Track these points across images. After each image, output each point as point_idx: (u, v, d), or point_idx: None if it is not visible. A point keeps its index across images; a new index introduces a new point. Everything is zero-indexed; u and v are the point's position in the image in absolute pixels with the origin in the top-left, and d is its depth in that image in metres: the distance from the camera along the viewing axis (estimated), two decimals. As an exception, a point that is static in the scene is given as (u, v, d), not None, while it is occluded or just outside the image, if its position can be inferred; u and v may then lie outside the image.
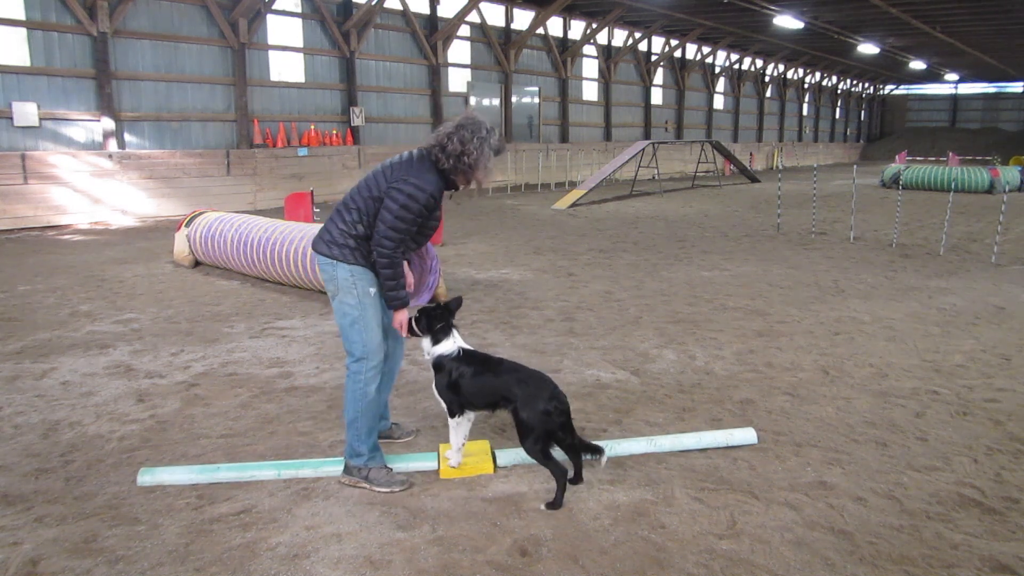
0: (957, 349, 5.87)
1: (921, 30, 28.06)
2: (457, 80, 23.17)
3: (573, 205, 17.40)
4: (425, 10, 21.48)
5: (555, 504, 3.33)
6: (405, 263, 3.83)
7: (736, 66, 37.43)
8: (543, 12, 23.96)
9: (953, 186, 16.41)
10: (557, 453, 3.48)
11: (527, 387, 3.39)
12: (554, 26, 26.00)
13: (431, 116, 21.90)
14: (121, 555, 3.01)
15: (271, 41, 17.84)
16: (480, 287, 8.24)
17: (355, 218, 3.52)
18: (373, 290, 3.57)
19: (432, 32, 21.63)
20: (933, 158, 39.68)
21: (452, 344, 3.57)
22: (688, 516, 3.29)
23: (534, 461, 3.45)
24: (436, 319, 3.57)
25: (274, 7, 17.49)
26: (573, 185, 21.80)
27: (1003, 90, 52.93)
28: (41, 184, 13.49)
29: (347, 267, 3.53)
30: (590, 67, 28.52)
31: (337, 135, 19.17)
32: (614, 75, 29.28)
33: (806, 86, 44.94)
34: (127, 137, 15.31)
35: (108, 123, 14.77)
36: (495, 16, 23.86)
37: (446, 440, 3.75)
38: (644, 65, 31.09)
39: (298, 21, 18.39)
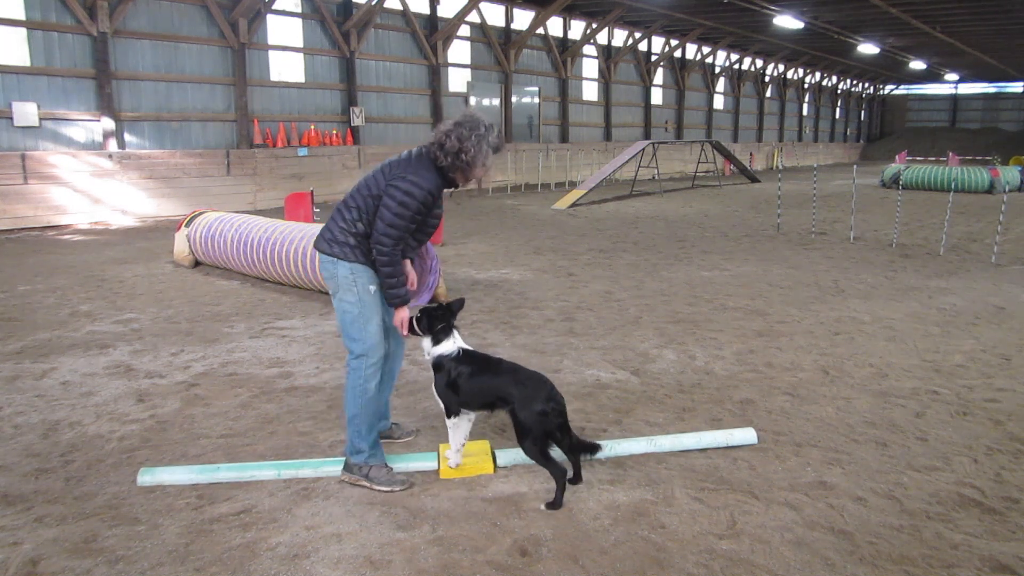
0: (957, 349, 5.87)
1: (921, 30, 28.07)
2: (457, 80, 23.17)
3: (573, 205, 17.39)
4: (425, 10, 21.48)
5: (555, 504, 3.33)
6: (407, 261, 3.85)
7: (736, 66, 37.43)
8: (543, 12, 23.95)
9: (953, 186, 16.41)
10: (556, 453, 3.48)
11: (524, 388, 3.39)
12: (554, 26, 26.00)
13: (431, 116, 21.90)
14: (121, 555, 3.01)
15: (271, 41, 17.84)
16: (480, 287, 8.24)
17: (355, 216, 3.53)
18: (373, 288, 3.58)
19: (432, 32, 21.63)
20: (933, 158, 39.69)
21: (452, 344, 3.58)
22: (688, 516, 3.29)
23: (533, 461, 3.46)
24: (437, 320, 3.58)
25: (274, 7, 17.49)
26: (573, 185, 21.80)
27: (1003, 90, 52.93)
28: (41, 184, 13.49)
29: (347, 265, 3.55)
30: (590, 67, 28.52)
31: (337, 135, 19.17)
32: (614, 75, 29.28)
33: (806, 86, 44.94)
34: (127, 137, 15.31)
35: (108, 123, 14.77)
36: (495, 16, 23.86)
37: (446, 440, 3.76)
38: (644, 65, 31.09)
39: (298, 21, 18.39)
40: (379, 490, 3.53)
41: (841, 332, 6.37)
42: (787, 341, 6.09)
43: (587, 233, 12.91)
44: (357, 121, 19.60)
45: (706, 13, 26.31)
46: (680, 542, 3.09)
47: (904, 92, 57.23)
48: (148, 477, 3.60)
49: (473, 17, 22.33)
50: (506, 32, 24.24)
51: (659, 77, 32.37)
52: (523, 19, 24.61)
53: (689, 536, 3.13)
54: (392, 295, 3.54)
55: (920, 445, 4.05)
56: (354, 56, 19.40)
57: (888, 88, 56.95)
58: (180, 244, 9.41)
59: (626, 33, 29.27)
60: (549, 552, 3.02)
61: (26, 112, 13.72)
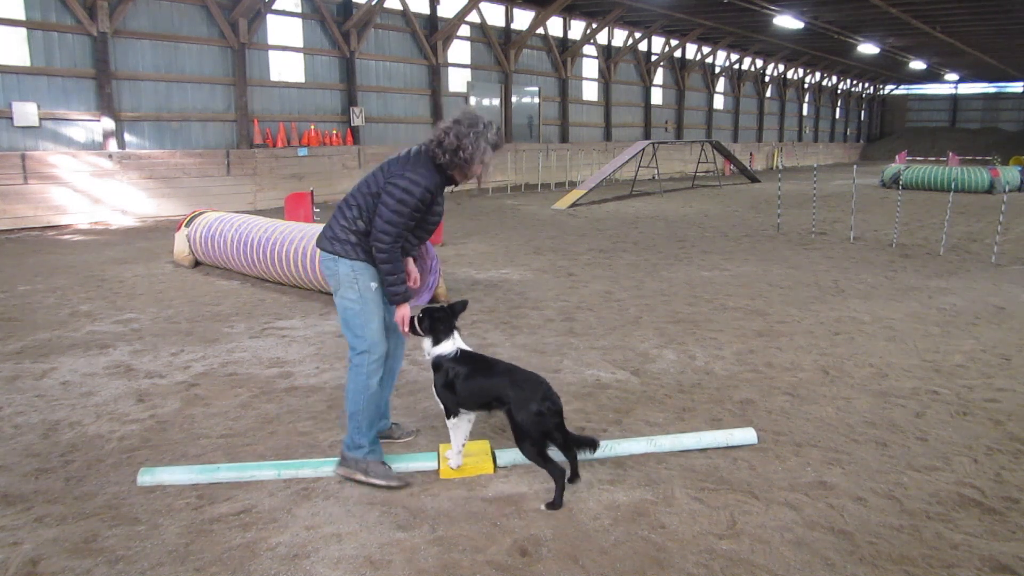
0: (957, 349, 5.87)
1: (921, 30, 28.07)
2: (457, 80, 23.18)
3: (573, 205, 17.40)
4: (425, 10, 21.48)
5: (555, 504, 3.33)
6: (410, 259, 3.85)
7: (736, 66, 37.43)
8: (543, 12, 23.96)
9: (953, 186, 16.41)
10: (555, 453, 3.48)
11: (520, 389, 3.39)
12: (554, 26, 26.00)
13: (431, 116, 21.90)
14: (121, 555, 3.01)
15: (271, 41, 17.84)
16: (480, 287, 8.24)
17: (355, 214, 3.56)
18: (374, 285, 3.59)
19: (432, 32, 21.64)
20: (933, 158, 39.68)
21: (451, 345, 3.58)
22: (688, 516, 3.29)
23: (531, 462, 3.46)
24: (439, 321, 3.58)
25: (274, 7, 17.49)
26: (573, 185, 21.80)
27: (1003, 90, 52.93)
28: (41, 184, 13.49)
29: (348, 262, 3.57)
30: (590, 67, 28.52)
31: (337, 135, 19.17)
32: (614, 75, 29.29)
33: (806, 86, 44.94)
34: (127, 137, 15.31)
35: (108, 123, 14.77)
36: (495, 16, 23.86)
37: (446, 440, 3.76)
38: (644, 65, 31.10)
39: (298, 21, 18.39)
40: (375, 483, 3.53)
41: (841, 332, 6.37)
42: (787, 341, 6.09)
43: (587, 233, 12.91)
44: (357, 121, 19.61)
45: (706, 13, 26.31)
46: (680, 542, 3.09)
47: (904, 92, 57.24)
48: (148, 477, 3.60)
49: (473, 17, 22.33)
50: (506, 32, 24.25)
51: (659, 77, 32.38)
52: (523, 19, 24.62)
53: (689, 536, 3.13)
54: (392, 292, 3.55)
55: (920, 445, 4.05)
56: (354, 56, 19.40)
57: (888, 88, 56.95)
58: (180, 244, 9.41)
59: (626, 33, 29.27)
60: (549, 552, 3.02)
61: (26, 112, 13.72)
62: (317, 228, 7.63)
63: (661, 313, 7.06)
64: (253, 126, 17.31)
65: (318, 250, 3.73)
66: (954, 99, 54.85)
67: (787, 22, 25.89)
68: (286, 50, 18.16)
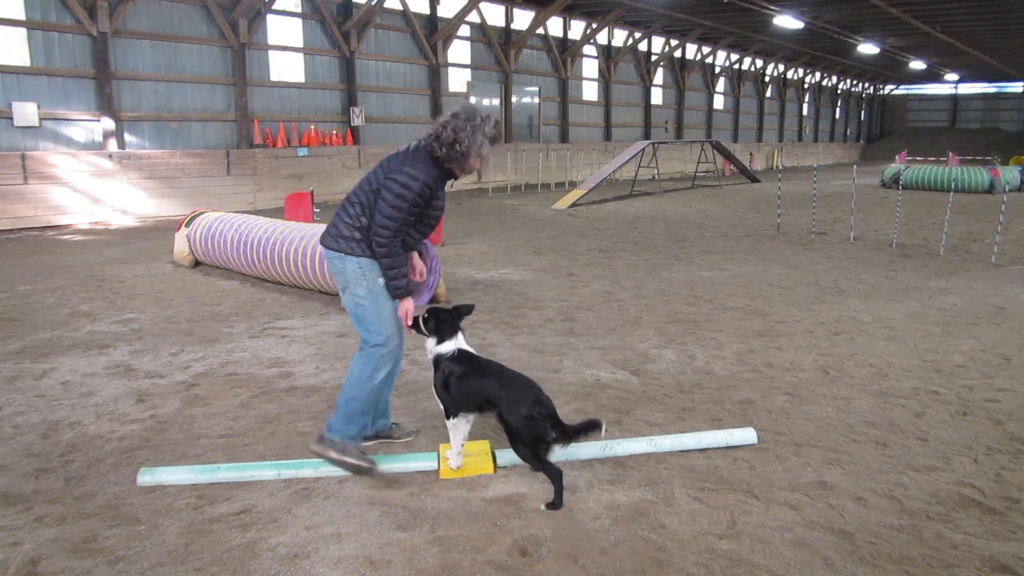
0: (957, 349, 5.87)
1: (921, 30, 28.07)
2: (457, 80, 23.17)
3: (573, 205, 17.40)
4: (425, 10, 21.48)
5: (555, 504, 3.33)
6: (414, 253, 3.86)
7: (736, 66, 37.43)
8: (543, 12, 23.96)
9: (953, 186, 16.41)
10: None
11: (510, 392, 3.39)
12: (554, 26, 26.00)
13: (431, 116, 21.88)
14: (121, 555, 3.01)
15: (271, 41, 17.84)
16: (480, 287, 8.24)
17: (358, 212, 3.58)
18: (382, 280, 3.62)
19: (432, 32, 21.64)
20: (933, 158, 39.68)
21: (452, 345, 3.59)
22: (688, 516, 3.29)
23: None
24: (444, 322, 3.59)
25: (274, 7, 17.49)
26: (573, 185, 21.80)
27: (1003, 90, 52.92)
28: (41, 184, 13.49)
29: (355, 259, 3.59)
30: (590, 67, 28.52)
31: (337, 135, 19.18)
32: (614, 75, 29.29)
33: (806, 86, 44.94)
34: (127, 137, 15.31)
35: (108, 123, 14.77)
36: (495, 16, 23.86)
37: (446, 440, 3.76)
38: (644, 65, 31.10)
39: (298, 21, 18.39)
40: (347, 461, 3.56)
41: (841, 332, 6.37)
42: (787, 341, 6.09)
43: (587, 233, 12.91)
44: (357, 121, 19.61)
45: (706, 13, 26.31)
46: (680, 542, 3.09)
47: (904, 92, 57.23)
48: (148, 477, 3.60)
49: (473, 17, 22.33)
50: (506, 32, 24.25)
51: (659, 77, 32.38)
52: (523, 19, 24.62)
53: (689, 536, 3.13)
54: (394, 286, 3.57)
55: (920, 445, 4.05)
56: (354, 56, 19.40)
57: (888, 88, 56.95)
58: (180, 244, 9.41)
59: (626, 33, 29.27)
60: (549, 552, 3.02)
61: (26, 112, 13.72)
62: (317, 228, 7.63)
63: (661, 313, 7.06)
64: (253, 126, 17.31)
65: (323, 249, 3.73)
66: (954, 99, 54.85)
67: (787, 22, 25.89)
68: (286, 50, 18.16)
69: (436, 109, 21.90)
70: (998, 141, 46.13)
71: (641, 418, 4.44)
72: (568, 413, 4.37)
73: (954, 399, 4.75)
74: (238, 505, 3.39)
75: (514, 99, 25.01)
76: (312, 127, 18.54)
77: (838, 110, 50.56)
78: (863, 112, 55.35)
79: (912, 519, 3.27)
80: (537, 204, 18.03)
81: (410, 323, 3.63)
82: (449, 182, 3.72)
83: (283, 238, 7.73)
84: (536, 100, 26.09)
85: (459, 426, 3.59)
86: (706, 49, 34.13)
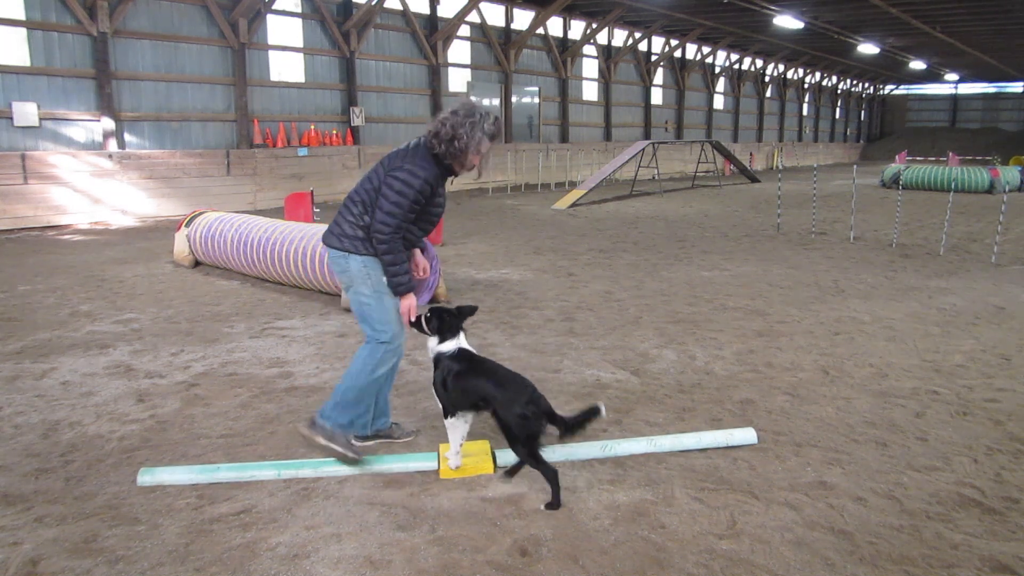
0: (957, 349, 5.87)
1: (921, 30, 28.07)
2: (457, 80, 23.18)
3: (573, 205, 17.40)
4: (425, 10, 21.48)
5: (553, 504, 3.33)
6: (417, 251, 3.86)
7: (736, 66, 37.43)
8: (543, 12, 23.96)
9: (953, 186, 16.41)
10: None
11: (504, 390, 3.39)
12: (554, 26, 26.00)
13: (431, 116, 21.79)
14: (121, 555, 3.01)
15: (271, 41, 17.84)
16: (480, 287, 8.25)
17: (361, 210, 3.59)
18: (386, 278, 3.62)
19: (432, 32, 21.64)
20: (933, 158, 39.68)
21: (454, 344, 3.59)
22: (688, 516, 3.29)
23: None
24: (446, 322, 3.59)
25: (274, 7, 17.49)
26: (573, 185, 21.80)
27: (1003, 90, 52.92)
28: (41, 184, 13.49)
29: (359, 258, 3.60)
30: (590, 67, 28.52)
31: (337, 135, 19.18)
32: (614, 75, 29.29)
33: (806, 86, 44.94)
34: (127, 137, 15.31)
35: (108, 123, 14.77)
36: (495, 16, 23.86)
37: (446, 440, 3.75)
38: (644, 65, 31.09)
39: (298, 21, 18.39)
40: (335, 449, 3.59)
41: (841, 332, 6.37)
42: (787, 341, 6.09)
43: (587, 233, 12.91)
44: (357, 121, 19.61)
45: (706, 13, 26.31)
46: (680, 542, 3.09)
47: (904, 92, 57.23)
48: (148, 477, 3.60)
49: (473, 17, 22.33)
50: (506, 32, 24.25)
51: (659, 77, 32.38)
52: (523, 19, 24.62)
53: (689, 536, 3.13)
54: (395, 283, 3.58)
55: (920, 445, 4.05)
56: (354, 56, 19.40)
57: (888, 88, 56.94)
58: (180, 244, 9.41)
59: (626, 33, 29.27)
60: (549, 552, 3.02)
61: (26, 112, 13.72)
62: (317, 228, 7.63)
63: (661, 313, 7.06)
64: (253, 126, 17.31)
65: (326, 249, 3.74)
66: (954, 99, 54.84)
67: (787, 22, 25.89)
68: (286, 50, 18.16)
69: (436, 109, 21.88)
70: (998, 141, 46.13)
71: (641, 418, 4.44)
72: (569, 414, 4.37)
73: (954, 399, 4.75)
74: (238, 505, 3.39)
75: (514, 99, 25.01)
76: (312, 127, 18.54)
77: (838, 110, 50.56)
78: (863, 112, 55.35)
79: (912, 519, 3.27)
80: (537, 204, 18.03)
81: (412, 320, 3.64)
82: (449, 179, 3.73)
83: (283, 238, 7.73)
84: (536, 100, 26.09)
85: (457, 425, 3.59)
86: (706, 49, 34.13)
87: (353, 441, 3.85)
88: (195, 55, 16.36)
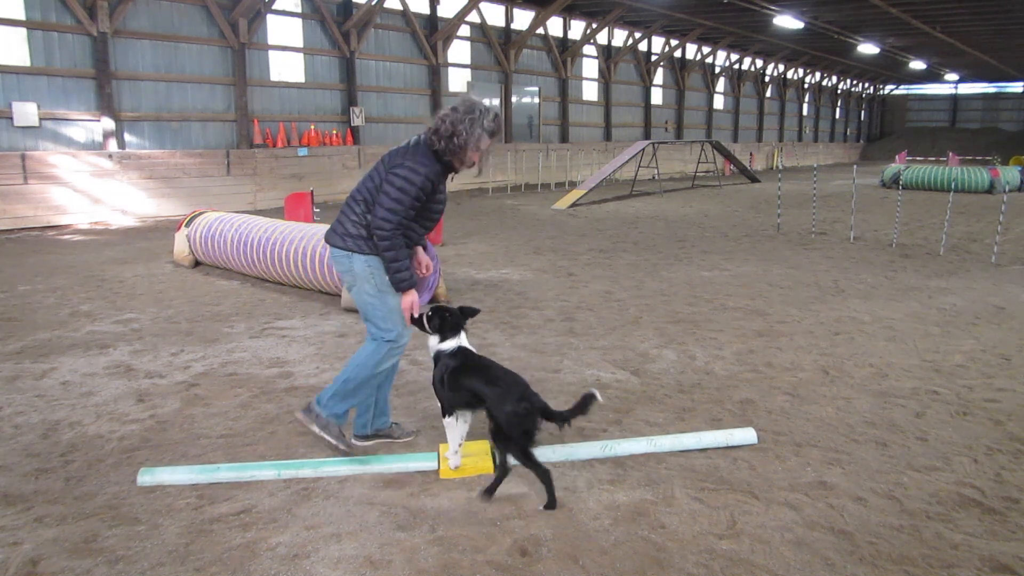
0: (957, 349, 5.87)
1: (921, 30, 28.07)
2: (457, 80, 23.17)
3: (573, 205, 17.40)
4: (425, 10, 21.48)
5: (550, 504, 3.32)
6: (419, 248, 3.86)
7: (736, 66, 37.43)
8: (543, 12, 23.96)
9: (953, 186, 16.41)
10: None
11: (497, 388, 3.38)
12: (554, 26, 26.00)
13: (431, 116, 21.80)
14: (121, 555, 3.01)
15: (271, 41, 17.84)
16: (480, 287, 8.25)
17: (363, 209, 3.60)
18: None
19: (432, 32, 21.64)
20: (933, 158, 39.68)
21: (454, 342, 3.59)
22: (688, 516, 3.29)
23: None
24: (447, 321, 3.60)
25: (274, 7, 17.49)
26: (573, 185, 21.80)
27: (1003, 90, 52.92)
28: (41, 184, 13.49)
29: (363, 257, 3.61)
30: (590, 67, 28.52)
31: (337, 135, 19.18)
32: (614, 75, 29.29)
33: (806, 86, 44.94)
34: (127, 137, 15.31)
35: (108, 123, 14.77)
36: (495, 16, 23.86)
37: (446, 440, 3.75)
38: (644, 65, 31.09)
39: (298, 21, 18.39)
40: (327, 439, 3.72)
41: (841, 332, 6.37)
42: (787, 341, 6.09)
43: (587, 233, 12.91)
44: (357, 121, 19.61)
45: (706, 13, 26.31)
46: (680, 542, 3.09)
47: (904, 92, 57.23)
48: (148, 477, 3.60)
49: (473, 17, 22.33)
50: (506, 32, 24.25)
51: (659, 77, 32.37)
52: (523, 19, 24.62)
53: (689, 536, 3.13)
54: (397, 279, 3.58)
55: (920, 445, 4.05)
56: (354, 56, 19.40)
57: (888, 88, 56.94)
58: (180, 244, 9.41)
59: (626, 33, 29.27)
60: (549, 552, 3.02)
61: (26, 112, 13.72)
62: (317, 228, 7.64)
63: (661, 313, 7.06)
64: (253, 126, 17.31)
65: (328, 248, 3.74)
66: (954, 99, 54.84)
67: (787, 22, 25.89)
68: (286, 50, 18.16)
69: (436, 109, 21.68)
70: (998, 141, 46.13)
71: (641, 418, 4.44)
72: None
73: (954, 399, 4.75)
74: (238, 505, 3.40)
75: (514, 99, 25.01)
76: (312, 127, 18.53)
77: (838, 110, 50.56)
78: (863, 112, 55.35)
79: (912, 519, 3.27)
80: (537, 204, 18.03)
81: (413, 317, 3.64)
82: (449, 176, 3.73)
83: (283, 238, 7.73)
84: (536, 100, 26.09)
85: (456, 424, 3.59)
86: (706, 49, 34.13)
87: (353, 441, 3.86)
88: (195, 55, 16.36)
